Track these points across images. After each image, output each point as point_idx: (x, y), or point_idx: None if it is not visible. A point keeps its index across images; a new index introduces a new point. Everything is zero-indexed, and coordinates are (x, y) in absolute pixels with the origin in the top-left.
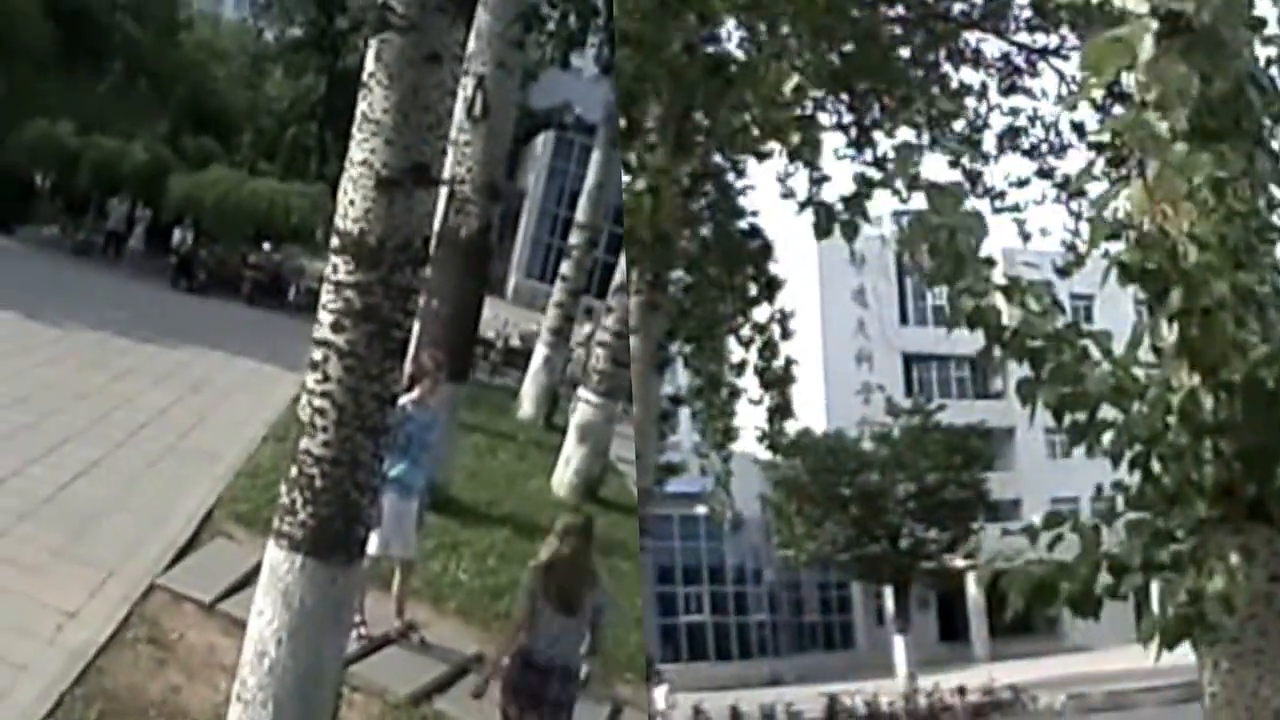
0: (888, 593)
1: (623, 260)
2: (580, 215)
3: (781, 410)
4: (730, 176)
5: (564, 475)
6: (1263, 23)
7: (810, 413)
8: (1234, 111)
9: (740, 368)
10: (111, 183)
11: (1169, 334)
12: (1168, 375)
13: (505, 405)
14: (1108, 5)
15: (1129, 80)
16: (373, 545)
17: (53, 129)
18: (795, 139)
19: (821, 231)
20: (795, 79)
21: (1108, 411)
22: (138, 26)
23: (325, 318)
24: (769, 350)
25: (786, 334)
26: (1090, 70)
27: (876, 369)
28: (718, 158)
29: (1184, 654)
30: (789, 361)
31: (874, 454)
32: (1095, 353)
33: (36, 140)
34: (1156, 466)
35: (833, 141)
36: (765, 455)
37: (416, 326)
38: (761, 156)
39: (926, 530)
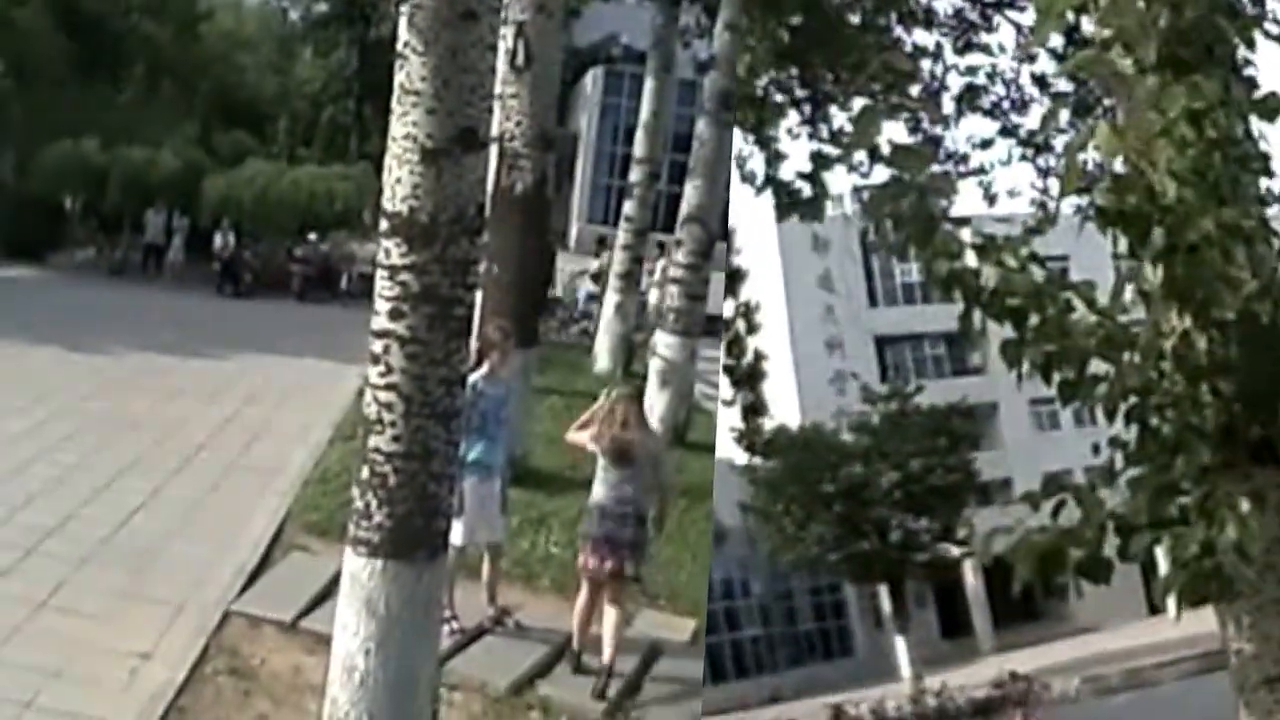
0: (883, 592)
1: (688, 188)
2: (638, 150)
3: (754, 408)
4: None
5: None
6: None
7: (784, 408)
8: (1205, 40)
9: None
10: (144, 195)
11: (1154, 276)
12: (1157, 320)
13: (579, 362)
14: None
15: (1089, 26)
16: (457, 535)
17: (77, 147)
18: (751, 119)
19: (783, 211)
20: (747, 58)
21: (1097, 366)
22: (155, 25)
23: (382, 305)
24: (736, 346)
25: (753, 328)
26: (1044, 10)
27: (849, 355)
28: None
29: (1197, 621)
30: (758, 356)
31: (854, 445)
32: (1079, 306)
33: (61, 162)
34: (1154, 418)
35: (786, 120)
36: (742, 460)
37: (479, 297)
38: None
39: (916, 520)
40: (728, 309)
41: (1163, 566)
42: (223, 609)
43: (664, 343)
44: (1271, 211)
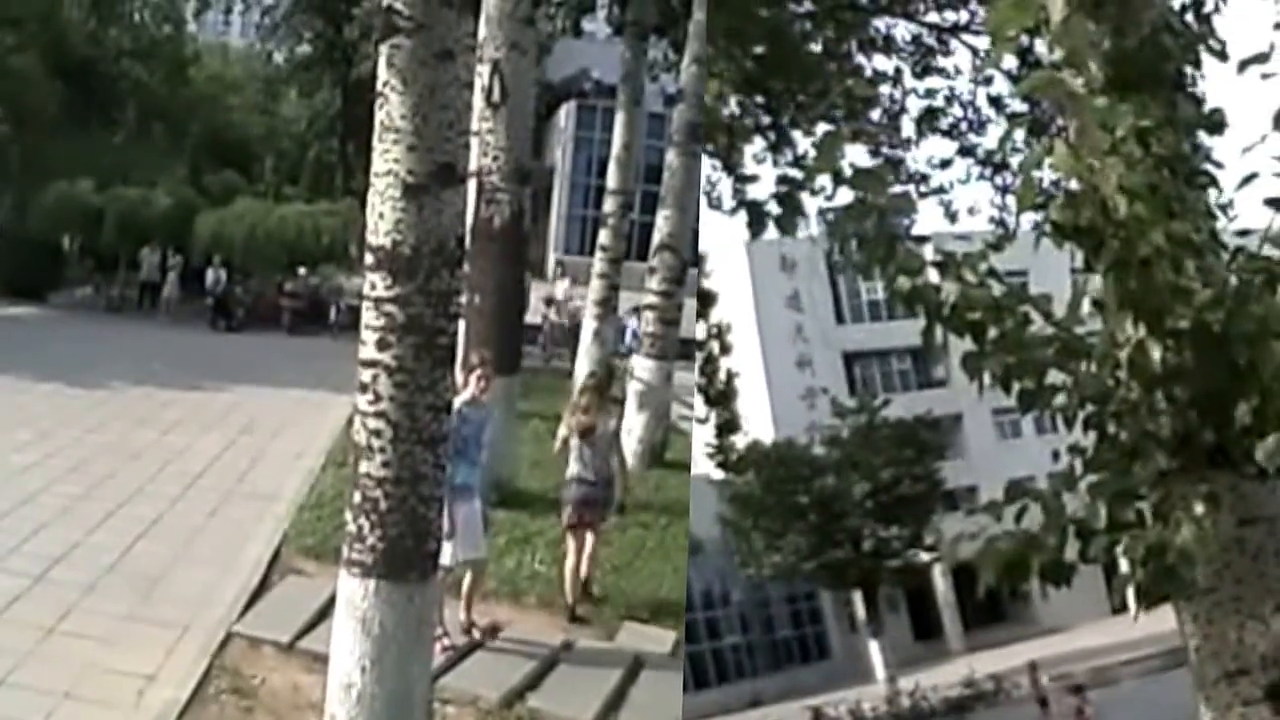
0: (857, 598)
1: (660, 218)
2: (611, 181)
3: (728, 425)
4: None
5: (628, 445)
6: None
7: (758, 424)
8: (1151, 61)
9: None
10: (138, 233)
11: (1109, 289)
12: (1112, 330)
13: (560, 387)
14: None
15: (1042, 48)
16: (447, 556)
17: (73, 189)
18: (720, 142)
19: (756, 229)
20: (714, 85)
21: (1055, 376)
22: (146, 70)
23: (369, 336)
24: (710, 366)
25: (725, 348)
26: (994, 34)
27: (818, 372)
28: None
29: (1160, 619)
30: (730, 375)
31: (826, 458)
32: (1037, 319)
33: (58, 203)
34: (1111, 425)
35: (751, 146)
36: (719, 475)
37: (462, 326)
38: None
39: (887, 529)
40: (700, 331)
41: (1124, 568)
42: (224, 631)
43: (641, 366)
44: (1220, 224)
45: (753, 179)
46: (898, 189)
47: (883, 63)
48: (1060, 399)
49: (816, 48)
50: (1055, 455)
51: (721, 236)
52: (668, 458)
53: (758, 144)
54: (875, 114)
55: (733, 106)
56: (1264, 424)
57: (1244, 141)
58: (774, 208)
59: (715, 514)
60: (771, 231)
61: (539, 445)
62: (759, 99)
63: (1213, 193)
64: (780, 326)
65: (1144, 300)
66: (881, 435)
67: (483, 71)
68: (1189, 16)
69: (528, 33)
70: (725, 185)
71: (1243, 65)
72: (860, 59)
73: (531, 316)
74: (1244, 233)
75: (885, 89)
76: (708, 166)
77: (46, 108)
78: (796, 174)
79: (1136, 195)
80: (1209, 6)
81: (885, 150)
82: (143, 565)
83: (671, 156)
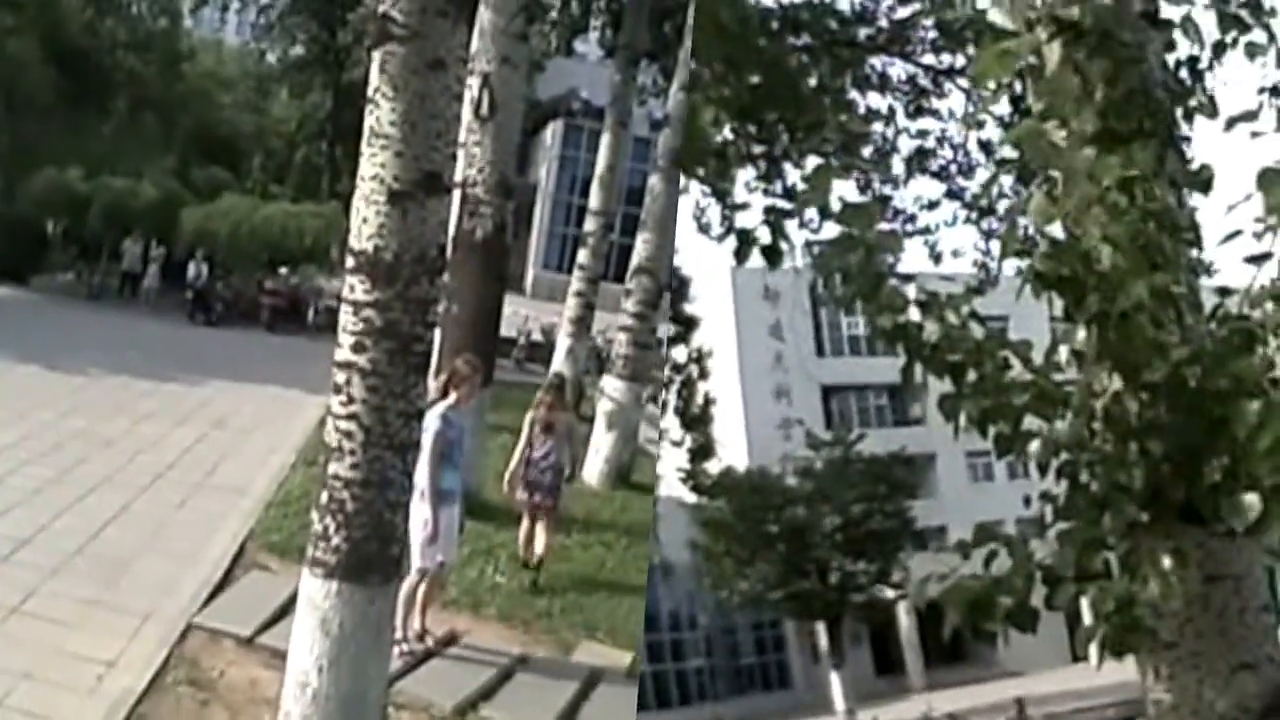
0: (821, 629)
1: (640, 241)
2: (593, 202)
3: (703, 450)
4: None
5: (595, 464)
6: (1169, 24)
7: (733, 451)
8: (1141, 113)
9: (661, 409)
10: (123, 223)
11: (1089, 340)
12: (1090, 381)
13: (531, 402)
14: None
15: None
16: (426, 559)
17: (61, 176)
18: (713, 167)
19: (743, 255)
20: (709, 111)
21: (1031, 422)
22: (140, 62)
23: (346, 339)
24: (687, 390)
25: (704, 373)
26: (978, 82)
27: (796, 403)
28: None
29: (1117, 670)
30: (708, 400)
31: (798, 489)
32: (1016, 364)
33: (46, 189)
34: (1084, 474)
35: (743, 174)
36: (692, 499)
37: (438, 335)
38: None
39: (855, 562)
40: (679, 354)
41: (1086, 617)
42: (185, 622)
43: (612, 387)
44: (1201, 281)
45: (743, 206)
46: (885, 226)
47: (877, 100)
48: (1035, 445)
49: (812, 81)
50: (1027, 500)
51: (707, 262)
52: (634, 479)
53: (748, 173)
54: (867, 151)
55: (726, 133)
56: (1234, 482)
57: (1225, 200)
58: (763, 235)
59: (686, 538)
60: (757, 259)
61: (506, 459)
62: (751, 128)
63: (1194, 250)
64: (761, 355)
65: (1123, 353)
66: (855, 470)
67: (473, 84)
68: (1183, 72)
69: (520, 48)
70: (714, 211)
71: (1230, 123)
72: (855, 95)
73: (506, 330)
74: (1224, 291)
75: (878, 126)
76: (697, 192)
77: (40, 93)
78: (785, 205)
79: (1119, 247)
80: (1203, 63)
81: (874, 187)
82: (109, 552)
83: (655, 181)
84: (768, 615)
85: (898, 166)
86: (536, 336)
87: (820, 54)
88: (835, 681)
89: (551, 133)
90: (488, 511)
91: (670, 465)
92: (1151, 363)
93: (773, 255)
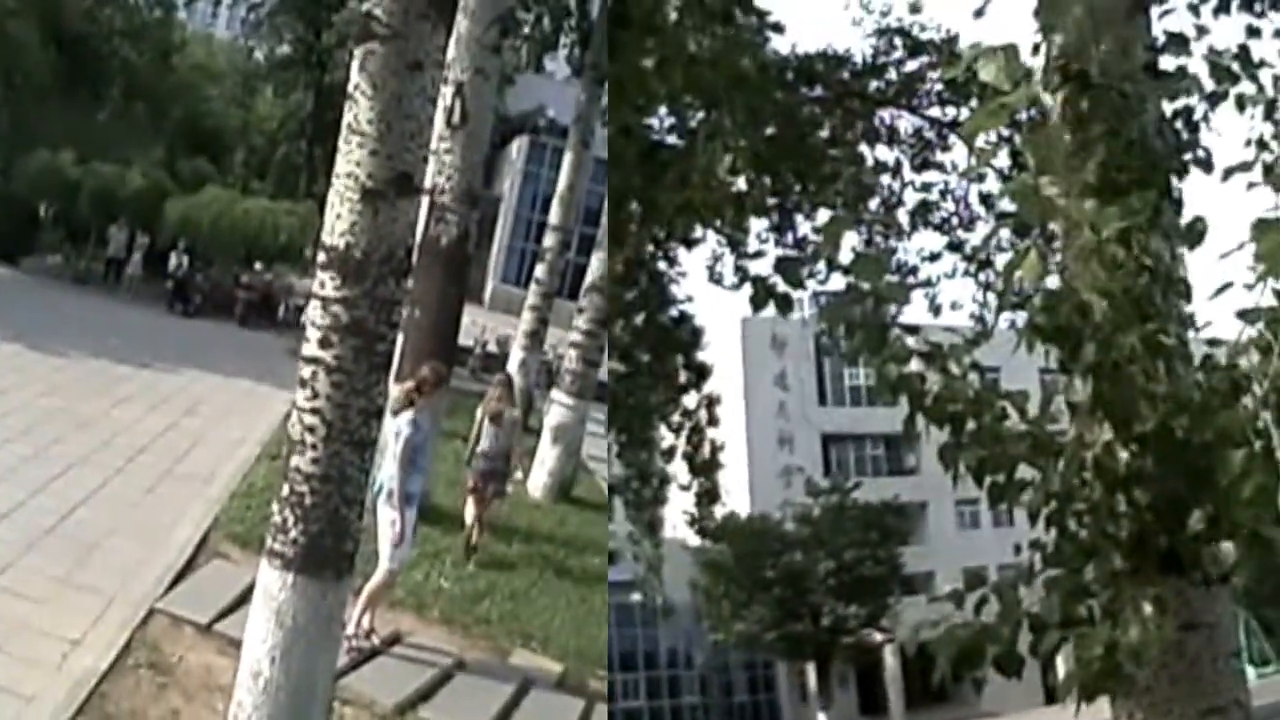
0: (810, 670)
1: (594, 260)
2: (553, 218)
3: (709, 495)
4: (661, 265)
5: (539, 477)
6: (1169, 75)
7: (735, 496)
8: (1140, 165)
9: (670, 454)
10: (110, 210)
11: (1083, 390)
12: (1082, 432)
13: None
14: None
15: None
16: (399, 560)
17: (55, 159)
18: (730, 216)
19: (759, 303)
20: (728, 159)
21: (1025, 471)
22: (135, 51)
23: (313, 334)
24: (696, 436)
25: (713, 420)
26: (972, 138)
27: (797, 450)
28: (649, 246)
29: (1092, 712)
30: (715, 447)
31: (796, 534)
32: (1013, 415)
33: (39, 171)
34: (1072, 523)
35: (755, 225)
36: (695, 541)
37: (400, 338)
38: (691, 244)
39: (846, 606)
40: (690, 400)
41: (1061, 663)
42: (148, 606)
43: (559, 402)
44: (1190, 334)
45: (757, 255)
46: (892, 278)
47: (884, 153)
48: (1028, 494)
49: (824, 133)
50: (1017, 549)
51: (718, 311)
52: (575, 494)
53: (761, 223)
54: (874, 203)
55: (740, 183)
56: (1215, 531)
57: (1215, 251)
58: (779, 284)
59: (686, 580)
60: (769, 309)
61: (457, 465)
62: (766, 179)
63: (1185, 302)
64: (765, 403)
65: (1115, 403)
66: (850, 516)
67: (446, 92)
68: (1179, 123)
69: (493, 60)
70: (727, 261)
71: (1227, 173)
72: (864, 148)
73: (464, 339)
74: (1214, 343)
75: (885, 179)
76: (712, 241)
77: (39, 75)
78: (794, 254)
79: (1113, 298)
80: (1198, 115)
81: (877, 240)
82: (81, 532)
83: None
84: (761, 655)
85: (902, 218)
86: (492, 348)
87: (832, 106)
88: None
89: (517, 148)
90: (436, 515)
91: (676, 509)
92: (1142, 413)
93: (786, 304)
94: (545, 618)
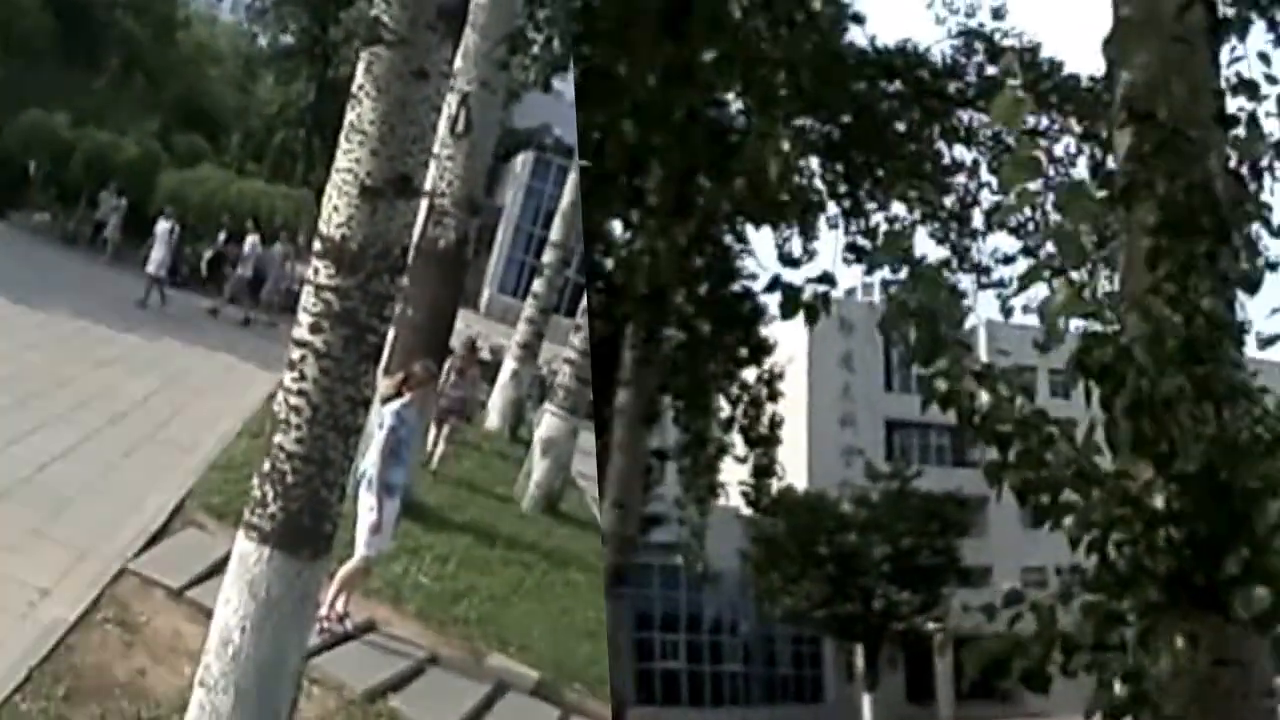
0: (859, 651)
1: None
2: (554, 234)
3: (766, 468)
4: (729, 239)
5: (526, 487)
6: (1235, 121)
7: (793, 472)
8: (1200, 207)
9: (728, 424)
10: (102, 175)
11: (1124, 428)
12: (1126, 467)
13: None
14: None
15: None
16: (375, 548)
17: (48, 119)
18: (787, 206)
19: (788, 313)
20: (786, 147)
21: (1069, 495)
22: (136, 24)
23: (304, 319)
24: (755, 410)
25: (774, 395)
26: (1005, 188)
27: (859, 432)
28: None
29: None
30: (774, 422)
31: (853, 516)
32: (1060, 441)
33: (32, 129)
34: (1112, 553)
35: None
36: (747, 510)
37: (391, 333)
38: (759, 222)
39: (900, 593)
40: (750, 374)
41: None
42: (120, 564)
43: (551, 416)
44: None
45: (795, 263)
46: (954, 282)
47: (961, 152)
48: (1069, 520)
49: (901, 127)
50: (1059, 570)
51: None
52: (561, 508)
53: (833, 207)
54: (949, 200)
55: (814, 168)
56: (1251, 576)
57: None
58: (809, 294)
59: (736, 548)
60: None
61: (442, 465)
62: (839, 167)
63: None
64: (830, 383)
65: (1155, 443)
66: (910, 504)
67: (451, 101)
68: (1244, 169)
69: (500, 75)
70: (795, 241)
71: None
72: (941, 145)
73: (457, 343)
74: (1261, 390)
75: (961, 178)
76: (769, 235)
77: (36, 37)
78: (864, 242)
79: (1160, 339)
80: (1264, 163)
81: (953, 238)
82: (56, 485)
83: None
84: (808, 631)
85: (977, 219)
86: (485, 355)
87: (910, 102)
88: (867, 703)
89: (522, 162)
90: (419, 511)
91: (732, 478)
92: (1187, 453)
93: (813, 314)
94: (524, 625)
